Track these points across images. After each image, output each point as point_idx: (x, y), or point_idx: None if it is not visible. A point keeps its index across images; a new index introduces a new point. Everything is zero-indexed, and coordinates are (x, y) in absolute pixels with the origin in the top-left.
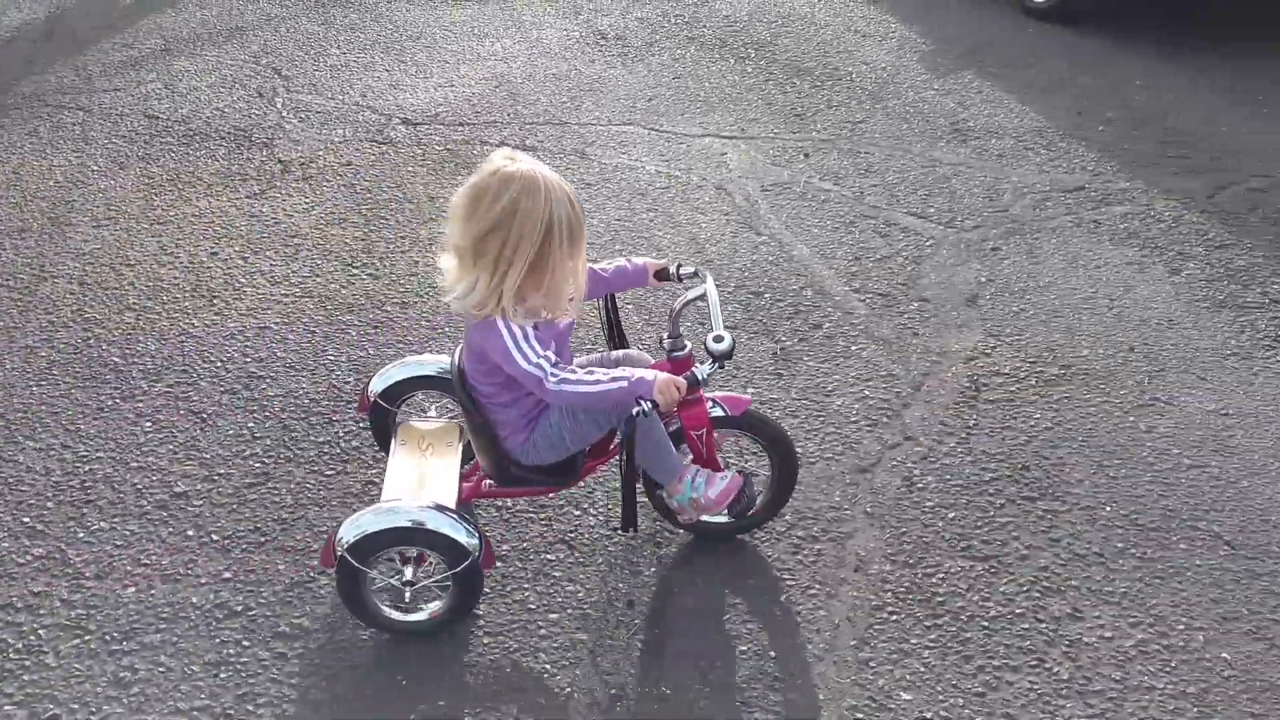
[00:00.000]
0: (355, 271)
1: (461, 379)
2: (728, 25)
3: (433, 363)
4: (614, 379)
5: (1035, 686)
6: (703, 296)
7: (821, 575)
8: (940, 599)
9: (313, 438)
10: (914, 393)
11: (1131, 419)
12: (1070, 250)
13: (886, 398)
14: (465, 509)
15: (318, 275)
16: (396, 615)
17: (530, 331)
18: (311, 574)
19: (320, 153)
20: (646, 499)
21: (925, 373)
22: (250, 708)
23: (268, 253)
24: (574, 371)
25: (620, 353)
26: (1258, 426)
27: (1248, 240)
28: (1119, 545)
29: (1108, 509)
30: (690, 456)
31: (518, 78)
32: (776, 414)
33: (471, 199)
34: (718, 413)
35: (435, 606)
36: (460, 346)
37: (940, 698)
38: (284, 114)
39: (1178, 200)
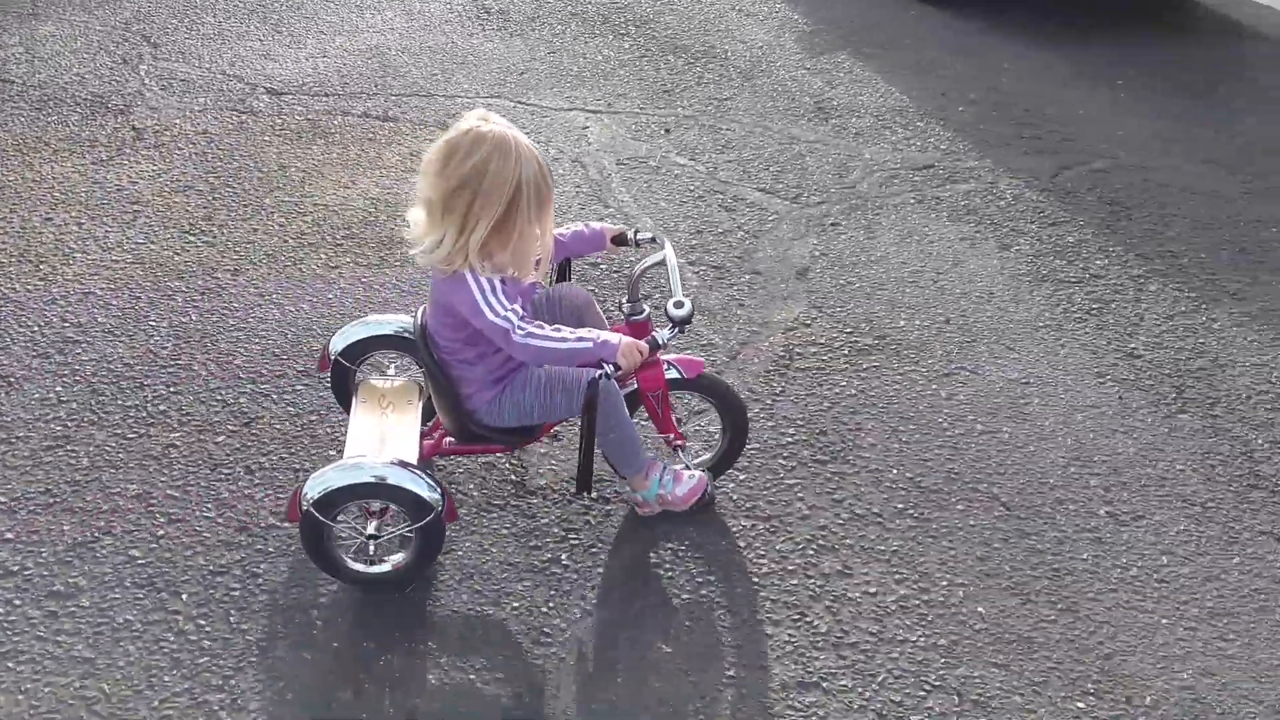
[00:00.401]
0: (191, 239)
1: (425, 336)
2: (613, 2)
3: (393, 321)
4: (580, 338)
5: (792, 639)
6: (662, 262)
7: (604, 534)
8: (717, 556)
9: (120, 401)
10: (729, 361)
11: (934, 387)
12: (907, 226)
13: None
14: (427, 465)
15: (153, 242)
16: (360, 568)
17: (498, 284)
18: (96, 534)
19: (177, 121)
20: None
21: (744, 342)
22: (10, 664)
23: (105, 219)
24: (541, 326)
25: (560, 286)
26: (1054, 395)
27: (1081, 219)
28: (899, 506)
29: (894, 472)
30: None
31: (393, 49)
32: None
33: (443, 155)
34: (673, 375)
35: (398, 559)
36: (424, 305)
37: (698, 650)
38: (146, 81)
39: (1021, 179)
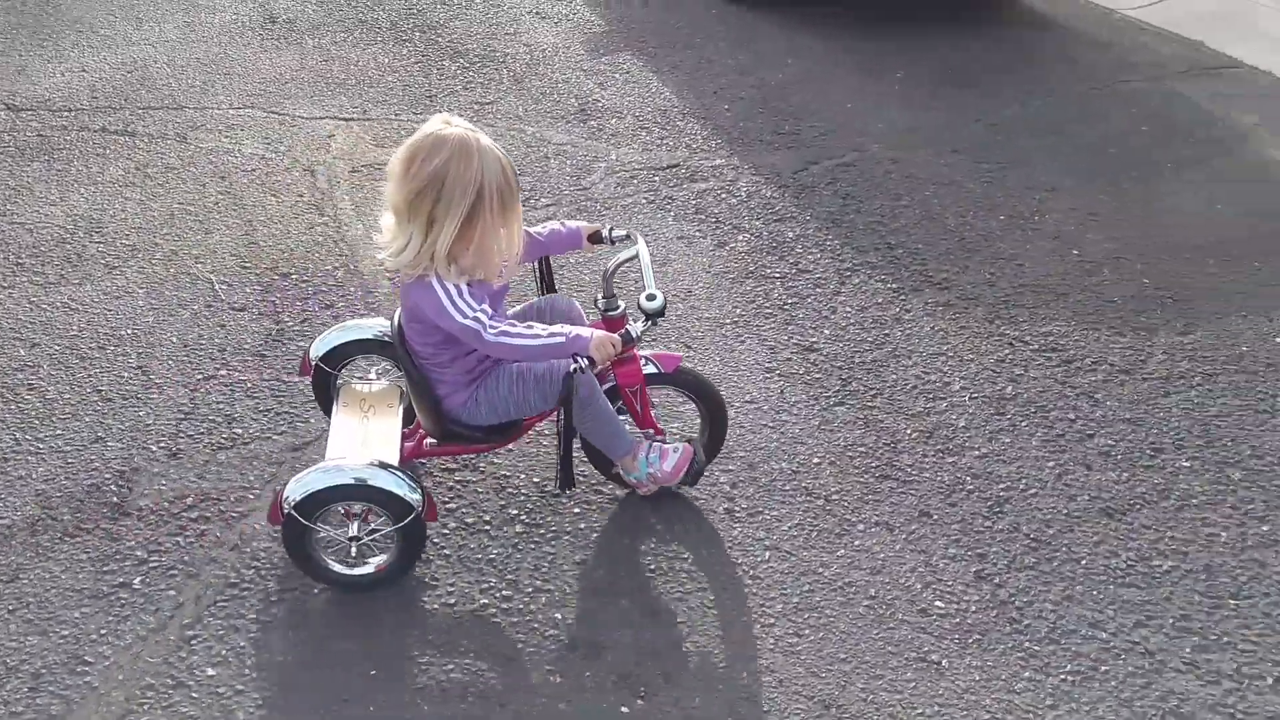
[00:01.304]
0: None
1: (401, 339)
2: (407, 8)
3: (372, 326)
4: (552, 334)
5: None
6: (634, 258)
7: (191, 556)
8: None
9: None
10: (392, 369)
11: None
12: (628, 227)
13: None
14: (408, 466)
15: None
16: (342, 570)
17: (464, 288)
18: None
19: None
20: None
21: None
22: None
23: None
24: (513, 324)
25: (548, 298)
26: None
27: (809, 214)
28: (512, 512)
29: (521, 478)
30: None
31: (159, 62)
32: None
33: (405, 160)
34: (651, 370)
35: (380, 560)
36: (400, 309)
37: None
38: None
39: (763, 176)
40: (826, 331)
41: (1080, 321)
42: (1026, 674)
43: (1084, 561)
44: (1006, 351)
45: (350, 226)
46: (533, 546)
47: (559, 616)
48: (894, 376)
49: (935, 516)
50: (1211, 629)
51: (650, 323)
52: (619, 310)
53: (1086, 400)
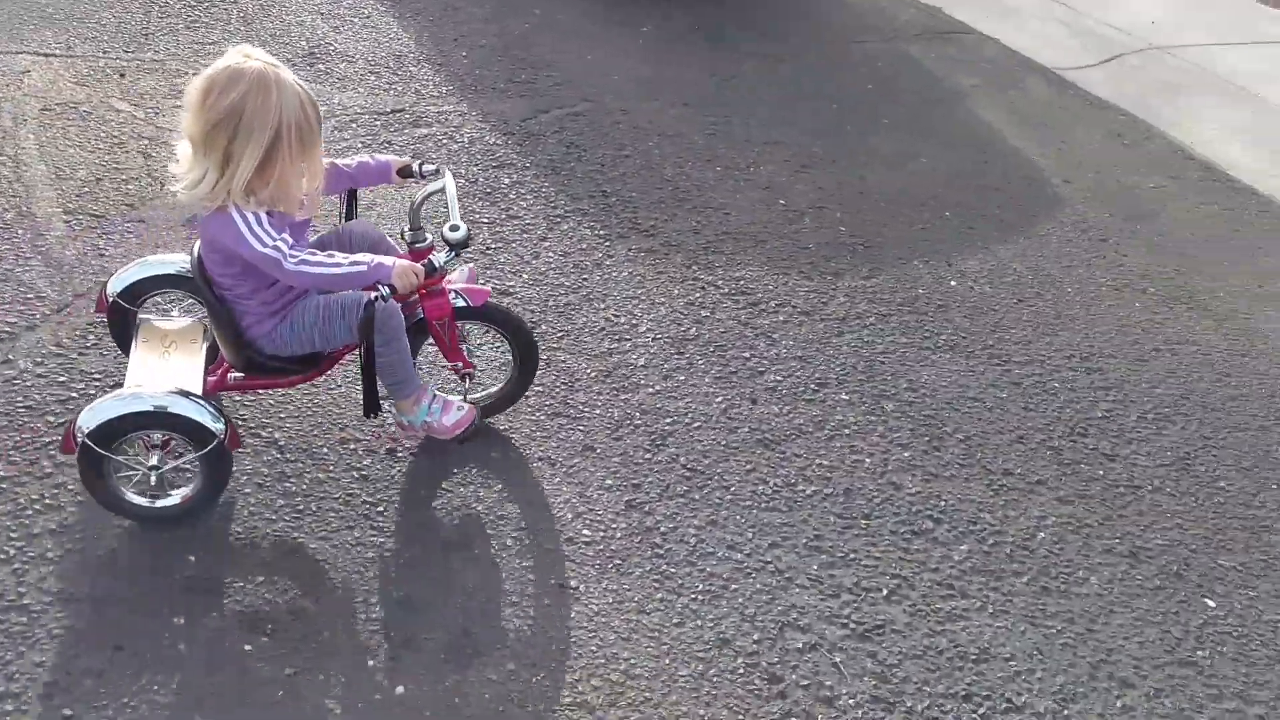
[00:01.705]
0: None
1: (201, 271)
2: None
3: (174, 261)
4: (354, 262)
5: None
6: (441, 191)
7: None
8: None
9: None
10: (55, 313)
11: None
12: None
13: (9, 320)
14: (211, 398)
15: None
16: (144, 502)
17: (263, 217)
18: None
19: None
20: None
21: (81, 294)
22: None
23: None
24: (314, 253)
25: (349, 224)
26: None
27: (528, 160)
28: None
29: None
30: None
31: None
32: None
33: (202, 91)
34: (460, 303)
35: (185, 491)
36: (199, 241)
37: None
38: None
39: (489, 123)
40: (524, 276)
41: (773, 267)
42: (659, 595)
43: (733, 489)
44: (697, 295)
45: (31, 167)
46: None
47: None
48: (584, 319)
49: (598, 450)
50: (840, 547)
51: (454, 253)
52: (426, 242)
53: (765, 340)
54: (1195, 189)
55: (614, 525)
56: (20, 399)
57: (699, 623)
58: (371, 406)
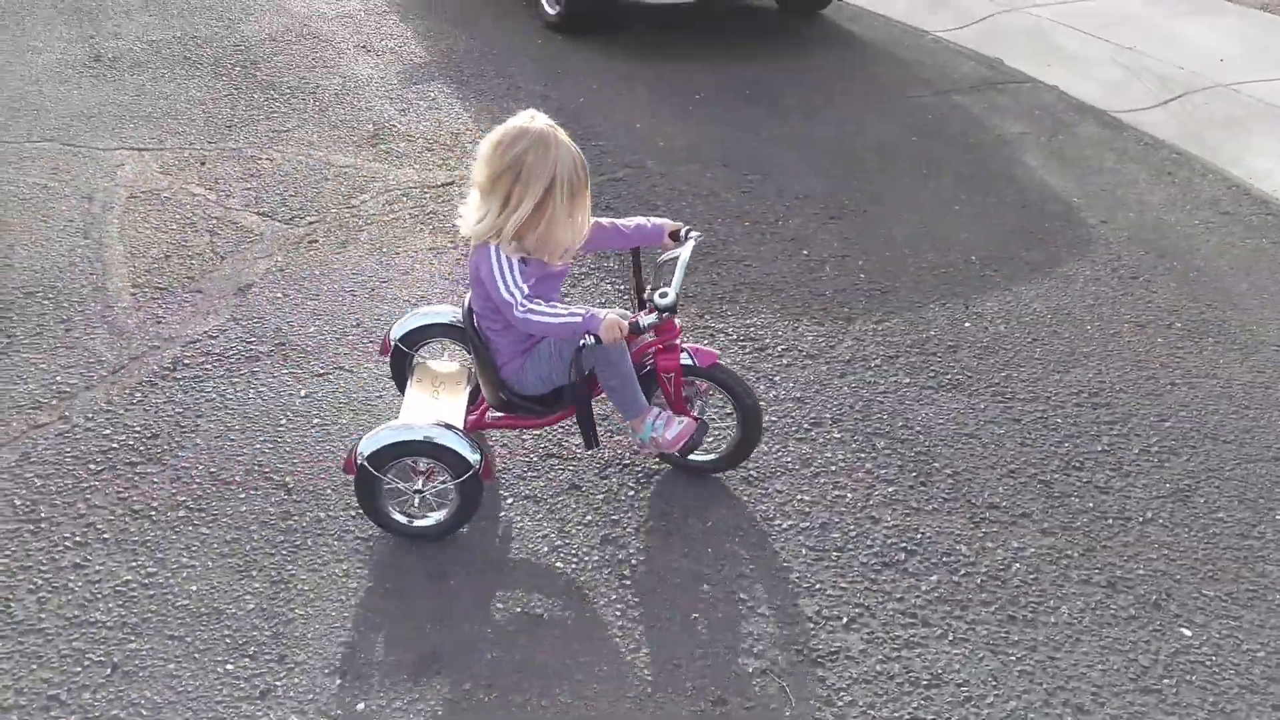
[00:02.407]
0: None
1: (469, 310)
2: (237, 47)
3: (448, 311)
4: (571, 313)
5: None
6: (677, 258)
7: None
8: None
9: None
10: (108, 376)
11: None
12: (376, 238)
13: (70, 381)
14: (471, 435)
15: None
16: (405, 520)
17: (516, 264)
18: None
19: None
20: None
21: (136, 357)
22: None
23: None
24: (539, 303)
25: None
26: None
27: None
28: (181, 498)
29: (198, 469)
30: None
31: None
32: None
33: (492, 144)
34: (687, 361)
35: (439, 515)
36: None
37: None
38: None
39: None
40: None
41: (785, 313)
42: (620, 623)
43: (710, 524)
44: (705, 341)
45: (110, 248)
46: None
47: None
48: None
49: (584, 489)
50: (807, 578)
51: (659, 316)
52: (668, 299)
53: (765, 382)
54: (1244, 224)
55: (587, 558)
56: (69, 449)
57: (654, 648)
58: (590, 440)
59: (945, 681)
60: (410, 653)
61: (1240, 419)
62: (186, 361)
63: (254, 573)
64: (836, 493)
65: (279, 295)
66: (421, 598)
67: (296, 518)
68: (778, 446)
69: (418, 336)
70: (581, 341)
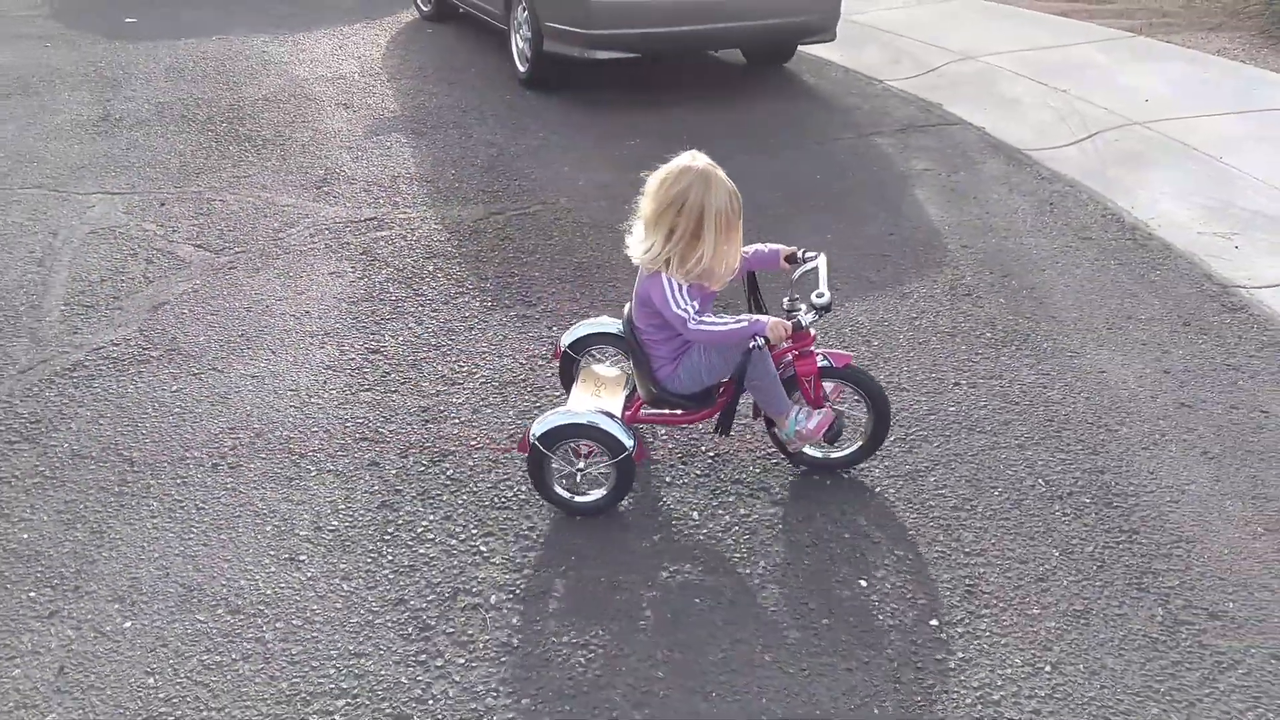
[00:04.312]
0: None
1: (629, 322)
2: (231, 106)
3: (612, 322)
4: (738, 320)
5: None
6: (815, 269)
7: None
8: None
9: None
10: (18, 374)
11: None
12: (281, 267)
13: None
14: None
15: None
16: (568, 495)
17: (684, 286)
18: None
19: None
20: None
21: (45, 360)
22: None
23: None
24: (710, 317)
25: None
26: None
27: (460, 250)
28: (111, 479)
29: (96, 448)
30: (800, 397)
31: None
32: None
33: (659, 181)
34: (824, 364)
35: (600, 492)
36: (630, 301)
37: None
38: None
39: (443, 225)
40: (400, 338)
41: None
42: (367, 568)
43: (478, 493)
44: (546, 350)
45: (57, 273)
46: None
47: None
48: (430, 369)
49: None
50: (538, 527)
51: (817, 315)
52: (800, 310)
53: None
54: (1099, 248)
55: (361, 518)
56: None
57: (387, 588)
58: (724, 429)
59: (627, 615)
60: (175, 584)
61: (1005, 414)
62: (86, 364)
63: (79, 525)
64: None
65: (185, 311)
66: (215, 546)
67: (131, 484)
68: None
69: (584, 344)
70: (752, 344)
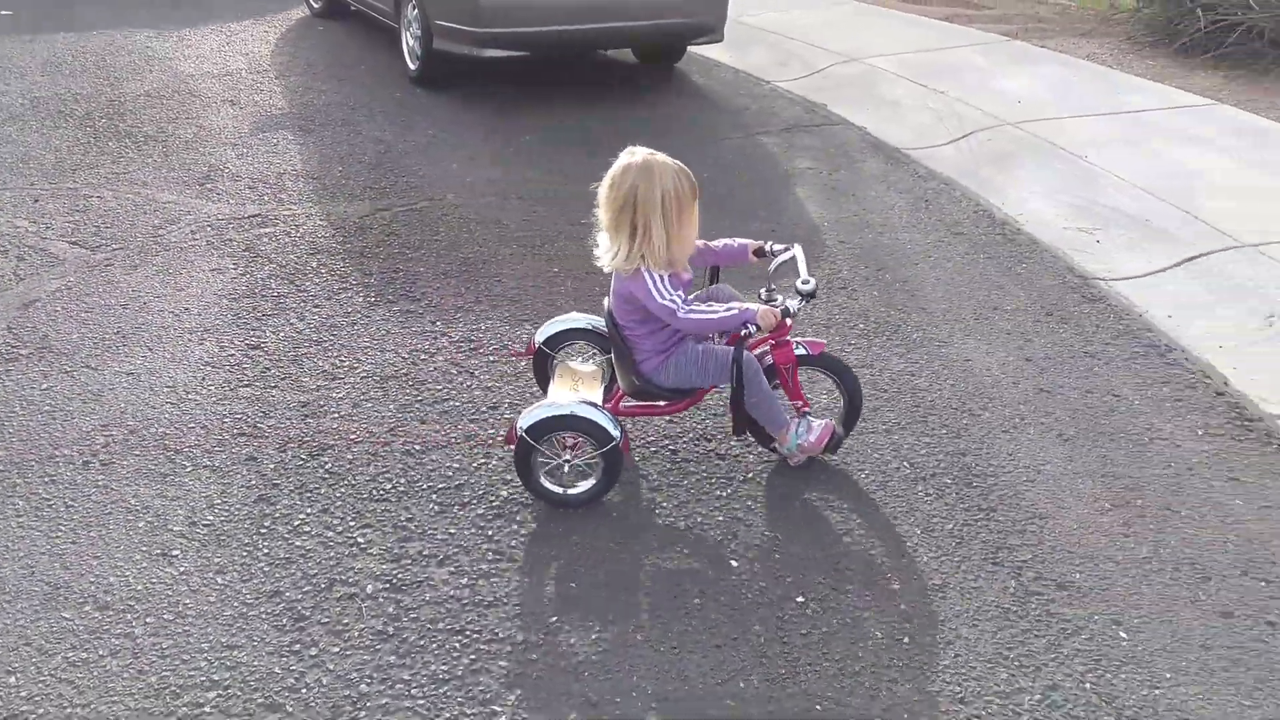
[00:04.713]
0: None
1: (611, 318)
2: (112, 102)
3: (585, 317)
4: (728, 309)
5: None
6: (793, 259)
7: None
8: None
9: None
10: None
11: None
12: (161, 265)
13: None
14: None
15: None
16: (556, 488)
17: (666, 278)
18: None
19: None
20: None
21: None
22: None
23: None
24: (699, 306)
25: (715, 287)
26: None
27: (345, 247)
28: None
29: None
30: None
31: None
32: None
33: (607, 187)
34: (801, 352)
35: (588, 484)
36: (609, 296)
37: None
38: None
39: (328, 222)
40: (283, 333)
41: (511, 320)
42: (242, 561)
43: (355, 483)
44: (427, 344)
45: None
46: None
47: None
48: (310, 364)
49: (260, 460)
50: (426, 527)
51: (804, 301)
52: (778, 303)
53: (464, 375)
54: (970, 243)
55: (237, 512)
56: None
57: (261, 580)
58: (739, 430)
59: (503, 603)
60: (41, 582)
61: (874, 401)
62: None
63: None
64: (482, 461)
65: (58, 309)
66: (83, 543)
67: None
68: (448, 427)
69: (558, 340)
70: (744, 331)
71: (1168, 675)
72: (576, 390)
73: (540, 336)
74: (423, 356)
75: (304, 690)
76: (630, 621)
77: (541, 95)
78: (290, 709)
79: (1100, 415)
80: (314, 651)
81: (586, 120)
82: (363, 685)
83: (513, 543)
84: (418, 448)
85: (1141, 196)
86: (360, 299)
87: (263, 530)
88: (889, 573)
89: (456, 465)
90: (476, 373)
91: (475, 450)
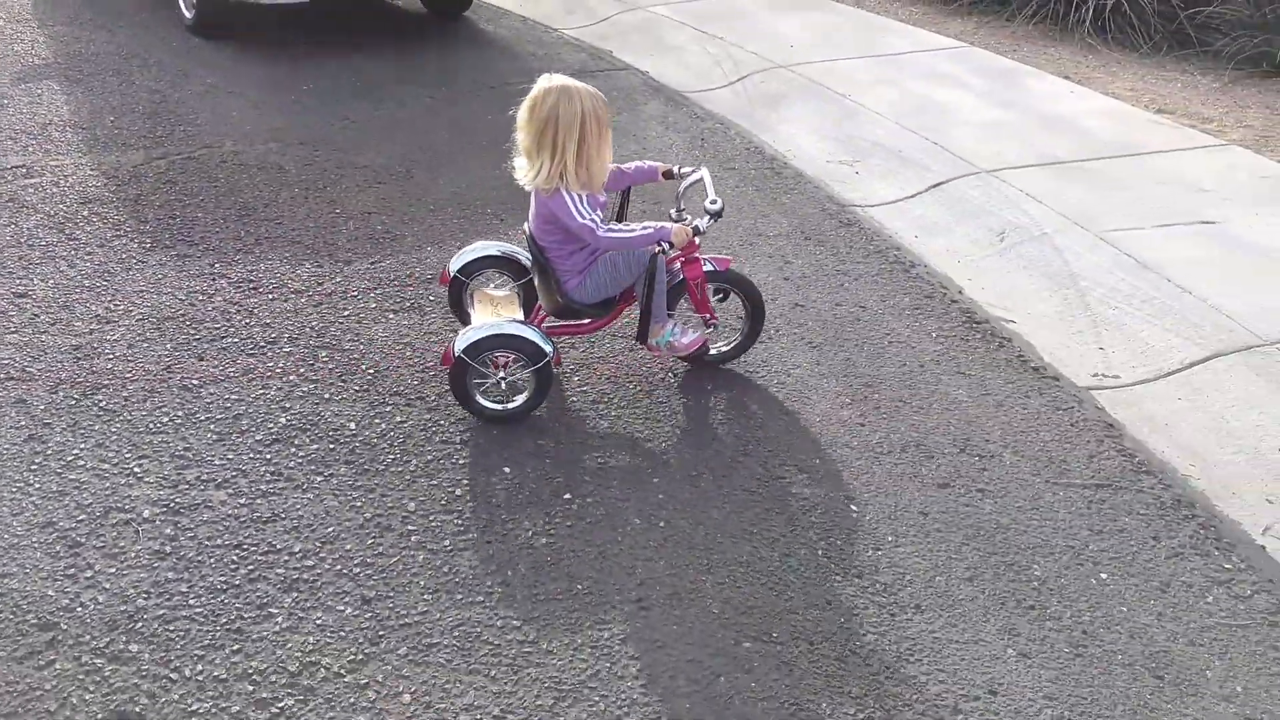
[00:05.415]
0: None
1: (532, 240)
2: None
3: (497, 245)
4: (645, 227)
5: None
6: (700, 180)
7: None
8: None
9: None
10: None
11: None
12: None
13: None
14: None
15: None
16: (492, 405)
17: (584, 198)
18: None
19: None
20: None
21: None
22: None
23: None
24: (616, 225)
25: (623, 212)
26: None
27: (119, 196)
28: None
29: None
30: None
31: None
32: None
33: (527, 108)
34: (709, 268)
35: (521, 399)
36: (528, 220)
37: None
38: None
39: (100, 171)
40: (52, 281)
41: (292, 260)
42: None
43: (137, 420)
44: (205, 285)
45: None
46: None
47: None
48: (82, 309)
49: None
50: (203, 455)
51: (712, 220)
52: (688, 220)
53: (242, 313)
54: (740, 176)
55: (5, 451)
56: None
57: (34, 513)
58: (642, 338)
59: (280, 518)
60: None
61: None
62: None
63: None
64: (260, 390)
65: None
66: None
67: None
68: (227, 363)
69: (473, 268)
70: (658, 248)
71: (889, 539)
72: (499, 314)
73: (454, 266)
74: (200, 298)
75: (79, 609)
76: (407, 526)
77: (324, 44)
78: (65, 626)
79: (847, 324)
80: (89, 574)
81: (371, 68)
82: (139, 600)
83: (291, 464)
84: (195, 382)
85: (897, 131)
86: (135, 245)
87: (34, 467)
88: (649, 468)
89: (235, 397)
90: (256, 311)
91: (254, 383)
